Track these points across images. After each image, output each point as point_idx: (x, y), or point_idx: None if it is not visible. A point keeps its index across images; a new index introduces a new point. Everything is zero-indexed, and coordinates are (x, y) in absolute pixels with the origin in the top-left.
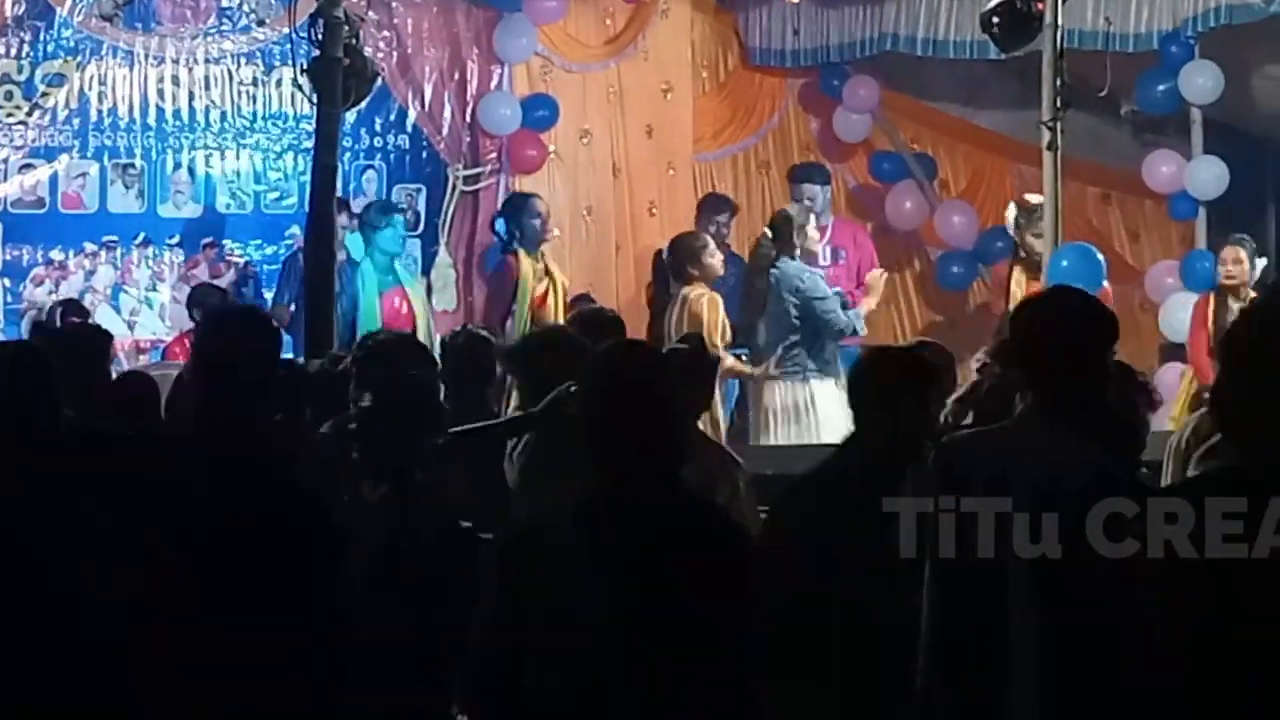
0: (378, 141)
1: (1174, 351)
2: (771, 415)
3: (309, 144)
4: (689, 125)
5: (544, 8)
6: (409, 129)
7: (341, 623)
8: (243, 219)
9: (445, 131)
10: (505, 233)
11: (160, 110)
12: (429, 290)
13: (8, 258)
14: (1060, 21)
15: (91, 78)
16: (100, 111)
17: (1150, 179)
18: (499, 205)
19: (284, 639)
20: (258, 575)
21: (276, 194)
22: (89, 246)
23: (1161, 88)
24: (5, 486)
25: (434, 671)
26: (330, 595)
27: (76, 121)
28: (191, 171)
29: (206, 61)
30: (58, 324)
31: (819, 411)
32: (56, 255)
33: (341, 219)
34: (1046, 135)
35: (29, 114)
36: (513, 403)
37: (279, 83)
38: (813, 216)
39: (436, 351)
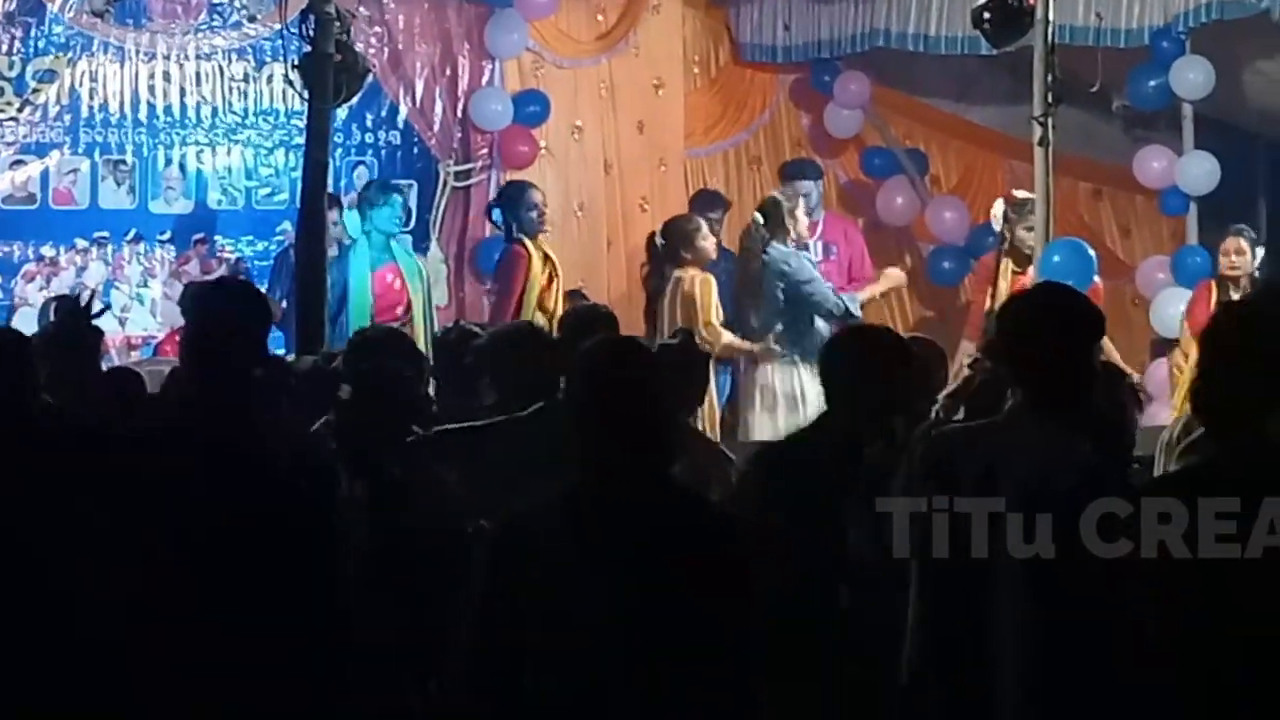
0: (369, 137)
1: (1165, 347)
2: (760, 398)
3: (300, 140)
4: (680, 121)
5: (535, 4)
6: (400, 125)
7: (340, 622)
8: (234, 215)
9: (436, 127)
10: (503, 223)
11: (151, 106)
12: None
13: None
14: (1051, 17)
15: (83, 74)
16: (91, 107)
17: (1141, 174)
18: (494, 195)
19: (282, 637)
20: (255, 572)
21: (268, 190)
22: (80, 243)
23: (1152, 83)
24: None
25: (418, 670)
26: (328, 594)
27: (68, 118)
28: (183, 167)
29: (197, 57)
30: (50, 320)
31: (809, 396)
32: (48, 251)
33: (333, 215)
34: (1038, 131)
35: (20, 110)
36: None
37: (270, 79)
38: (801, 200)
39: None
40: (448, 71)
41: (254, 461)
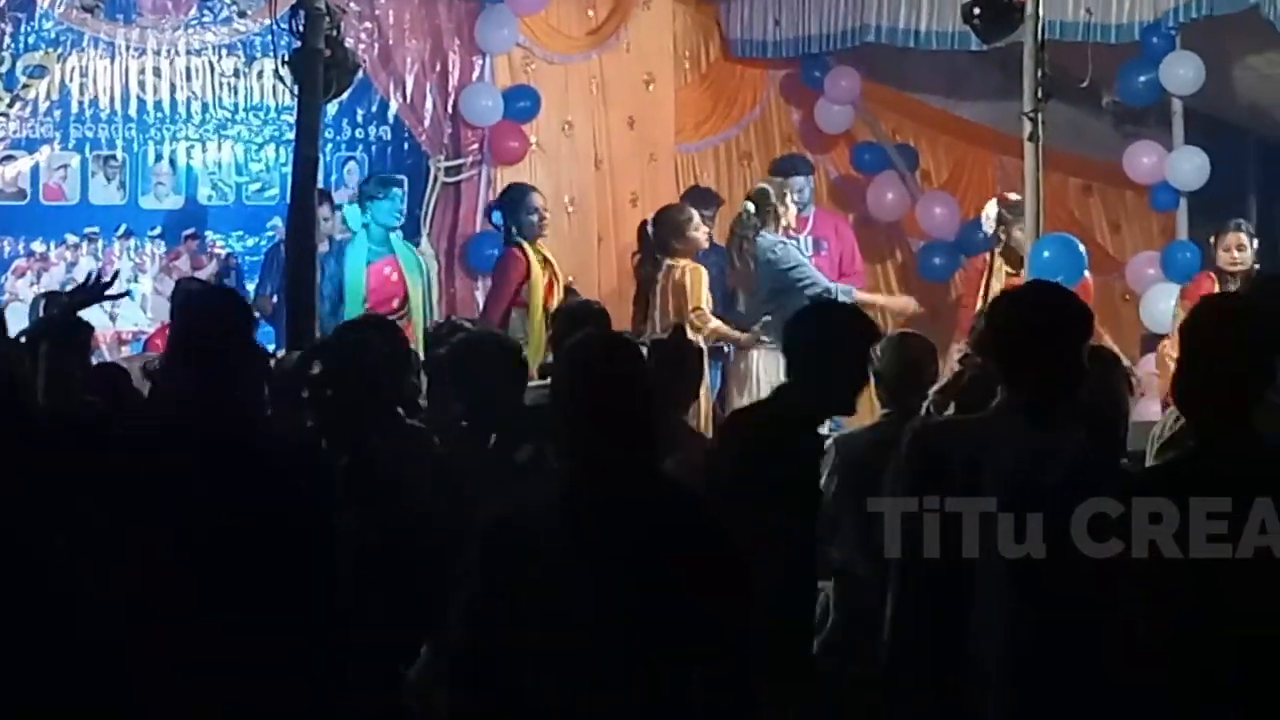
0: (359, 133)
1: (1155, 342)
2: (749, 388)
3: (290, 135)
4: (671, 116)
5: None
6: (390, 120)
7: (339, 621)
8: (224, 210)
9: (427, 123)
10: (503, 225)
11: (141, 102)
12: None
13: None
14: (1041, 13)
15: (72, 69)
16: (81, 103)
17: (1131, 170)
18: (498, 196)
19: (281, 637)
20: (254, 571)
21: (258, 185)
22: (70, 238)
23: (1142, 79)
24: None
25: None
26: (328, 593)
27: (57, 113)
28: (173, 163)
29: (188, 53)
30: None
31: None
32: (38, 247)
33: (323, 210)
34: (1028, 126)
35: (9, 106)
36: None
37: (260, 74)
38: (792, 193)
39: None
40: (438, 67)
41: (253, 460)
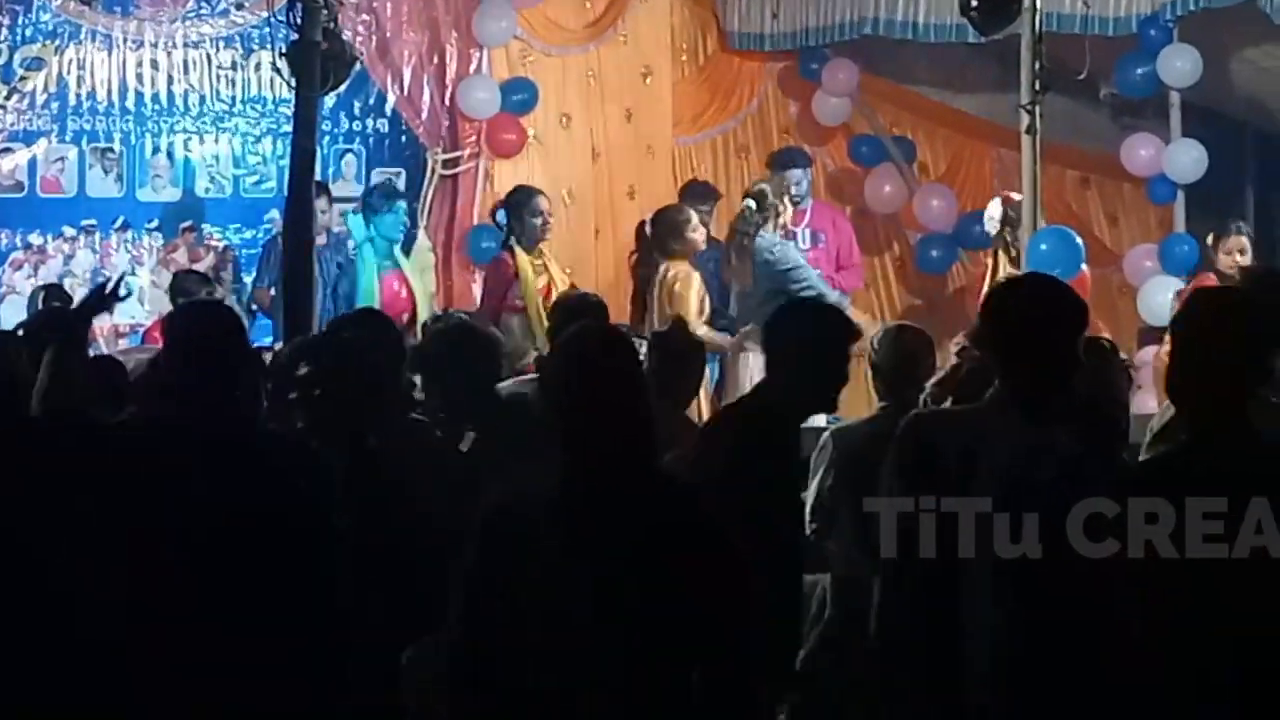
0: (357, 125)
1: (1152, 335)
2: (746, 384)
3: (288, 128)
4: (668, 109)
5: None
6: (388, 113)
7: (339, 621)
8: (221, 203)
9: (424, 115)
10: (505, 226)
11: (139, 94)
12: None
13: None
14: (1039, 4)
15: (70, 62)
16: (79, 95)
17: (1129, 162)
18: (504, 196)
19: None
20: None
21: (255, 178)
22: (68, 231)
23: (1140, 71)
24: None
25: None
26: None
27: (55, 105)
28: (170, 155)
29: (185, 45)
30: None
31: None
32: (35, 239)
33: (321, 203)
34: (1025, 119)
35: (7, 98)
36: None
37: (258, 67)
38: (791, 189)
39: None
40: (435, 59)
41: (252, 460)
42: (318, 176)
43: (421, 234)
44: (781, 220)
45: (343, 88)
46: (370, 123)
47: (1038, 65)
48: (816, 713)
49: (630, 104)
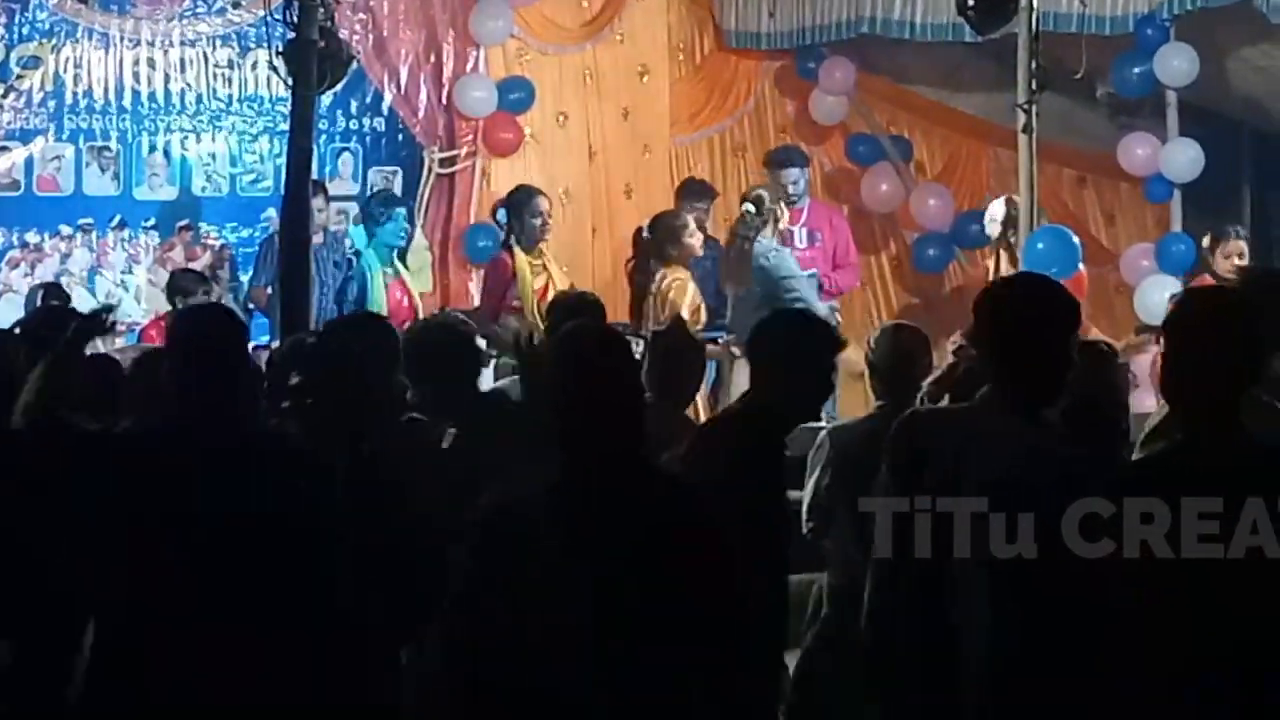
0: (353, 124)
1: (1149, 334)
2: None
3: (284, 127)
4: (665, 108)
5: None
6: (385, 112)
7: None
8: (218, 201)
9: (421, 114)
10: (505, 225)
11: (136, 93)
12: None
13: None
14: (1036, 4)
15: (67, 60)
16: (75, 94)
17: (1125, 161)
18: (505, 195)
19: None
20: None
21: (252, 176)
22: (64, 229)
23: (1137, 70)
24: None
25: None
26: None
27: (52, 104)
28: (167, 154)
29: (182, 44)
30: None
31: None
32: (32, 238)
33: (317, 201)
34: (1022, 118)
35: (4, 97)
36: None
37: (254, 65)
38: (789, 189)
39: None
40: (432, 58)
41: (252, 462)
42: (314, 175)
43: (418, 233)
44: (781, 224)
45: (339, 86)
46: (367, 121)
47: (1034, 64)
48: (814, 713)
49: (627, 103)
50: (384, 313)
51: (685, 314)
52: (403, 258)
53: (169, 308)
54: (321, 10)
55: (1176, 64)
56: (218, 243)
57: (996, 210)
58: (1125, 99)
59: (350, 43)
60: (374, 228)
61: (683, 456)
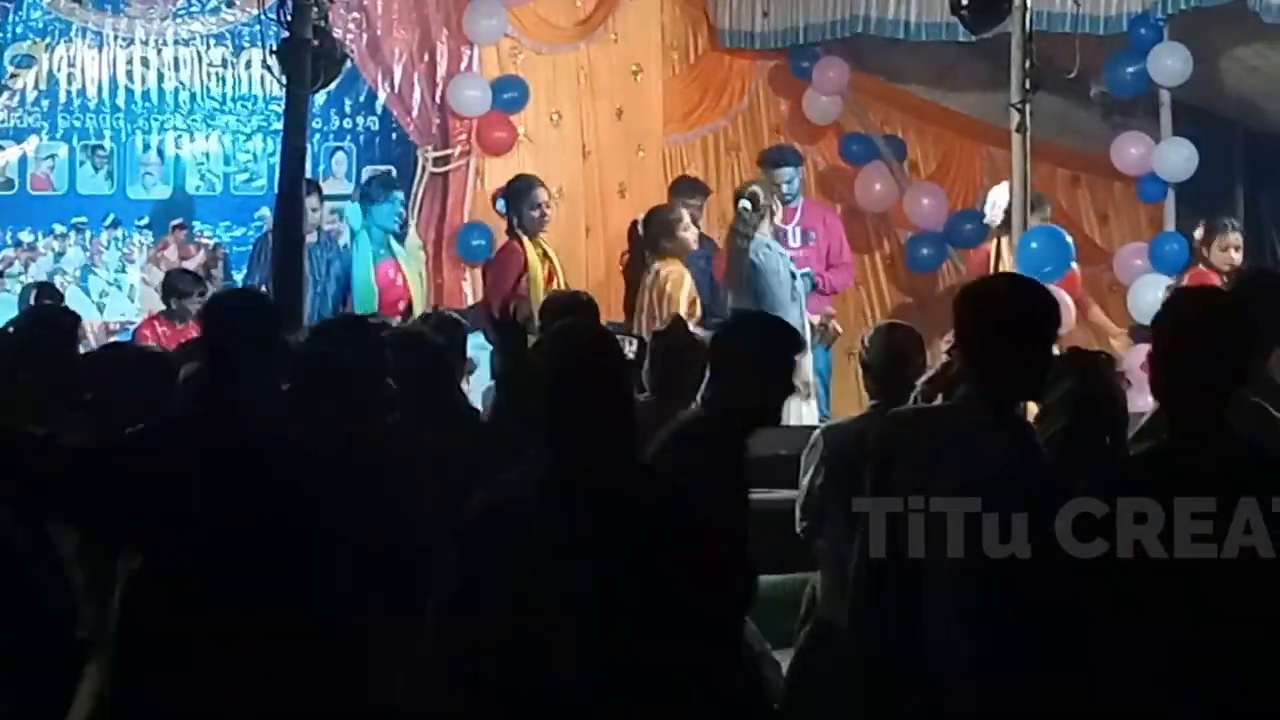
0: (347, 123)
1: (1143, 333)
2: None
3: (278, 125)
4: (659, 107)
5: None
6: (378, 111)
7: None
8: (212, 200)
9: (415, 113)
10: (506, 215)
11: (129, 92)
12: None
13: None
14: (1029, 3)
15: (60, 59)
16: (69, 93)
17: (1119, 161)
18: (505, 184)
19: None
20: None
21: (246, 175)
22: (58, 228)
23: (1130, 70)
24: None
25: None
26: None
27: (45, 103)
28: (161, 153)
29: (176, 43)
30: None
31: None
32: (25, 237)
33: (311, 200)
34: (1016, 117)
35: None
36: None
37: (248, 64)
38: (777, 189)
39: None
40: (426, 57)
41: (253, 462)
42: (308, 174)
43: (412, 231)
44: (776, 219)
45: (333, 85)
46: (361, 120)
47: (1028, 64)
48: (807, 712)
49: (621, 102)
50: (373, 295)
51: (683, 306)
52: (399, 241)
53: (163, 307)
54: (315, 9)
55: (1170, 63)
56: (211, 242)
57: (999, 196)
58: (1119, 98)
59: (344, 42)
60: (369, 206)
61: (653, 458)
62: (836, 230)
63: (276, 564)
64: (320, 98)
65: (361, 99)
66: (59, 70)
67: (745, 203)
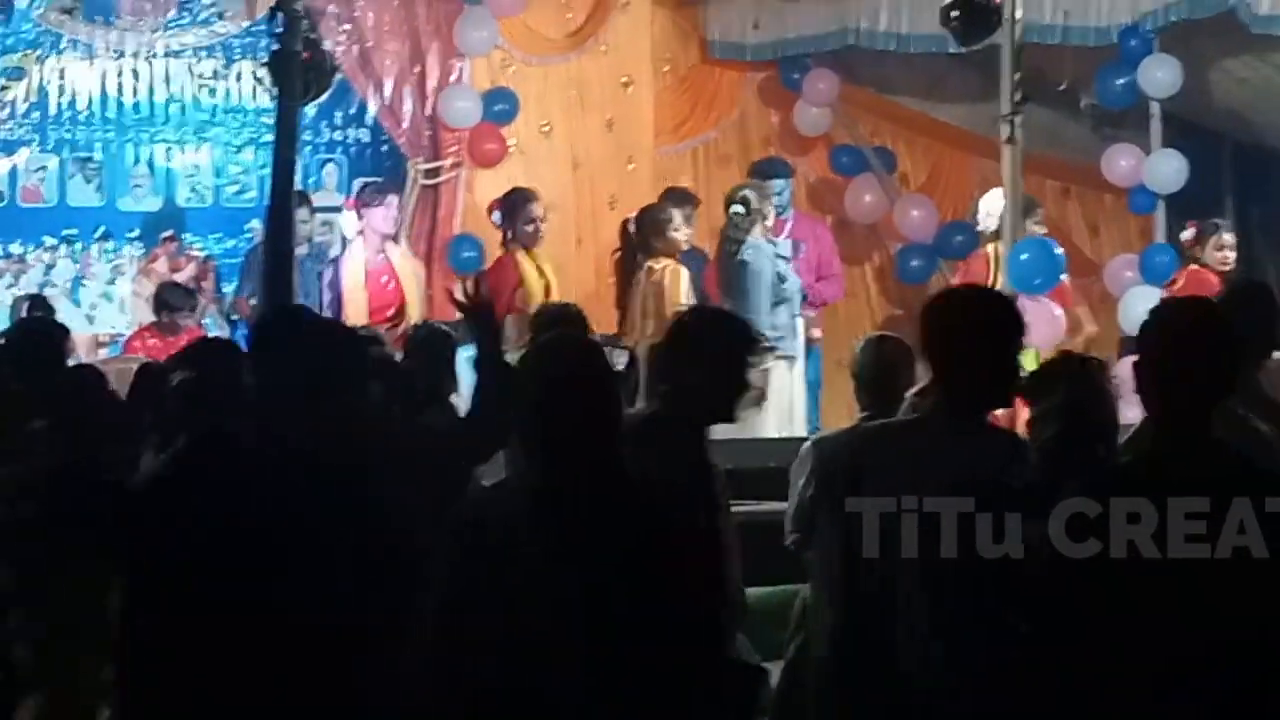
0: (338, 135)
1: (1132, 344)
2: None
3: (269, 137)
4: (649, 119)
5: (504, 1)
6: (369, 123)
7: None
8: (202, 212)
9: (405, 125)
10: (501, 228)
11: (120, 104)
12: None
13: None
14: (1019, 15)
15: (51, 71)
16: (60, 105)
17: (1109, 172)
18: (500, 197)
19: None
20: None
21: (236, 187)
22: (48, 240)
23: (1120, 81)
24: None
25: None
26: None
27: (36, 115)
28: (151, 165)
29: (166, 55)
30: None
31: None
32: (16, 249)
33: (302, 213)
34: (1006, 129)
35: None
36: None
37: (239, 76)
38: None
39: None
40: (417, 69)
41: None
42: (299, 186)
43: (403, 243)
44: (767, 223)
45: (324, 98)
46: (351, 132)
47: (1018, 76)
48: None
49: (611, 114)
50: (363, 299)
51: (682, 300)
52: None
53: (153, 319)
54: (306, 22)
55: (1160, 75)
56: (202, 254)
57: (991, 203)
58: (1109, 110)
59: (335, 54)
60: (365, 212)
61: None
62: (827, 242)
63: (276, 565)
64: (311, 110)
65: (352, 111)
66: (49, 82)
67: (738, 206)
